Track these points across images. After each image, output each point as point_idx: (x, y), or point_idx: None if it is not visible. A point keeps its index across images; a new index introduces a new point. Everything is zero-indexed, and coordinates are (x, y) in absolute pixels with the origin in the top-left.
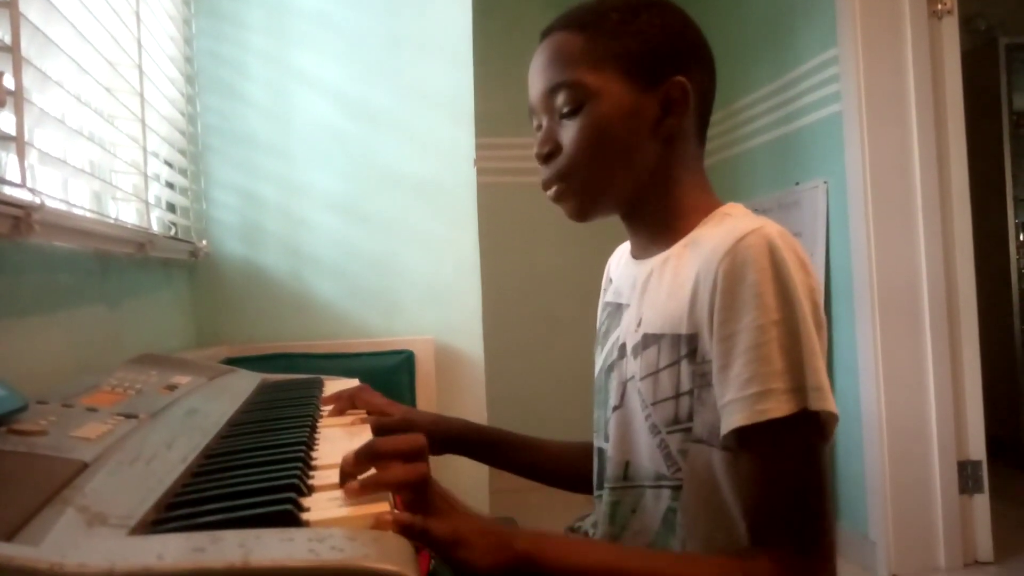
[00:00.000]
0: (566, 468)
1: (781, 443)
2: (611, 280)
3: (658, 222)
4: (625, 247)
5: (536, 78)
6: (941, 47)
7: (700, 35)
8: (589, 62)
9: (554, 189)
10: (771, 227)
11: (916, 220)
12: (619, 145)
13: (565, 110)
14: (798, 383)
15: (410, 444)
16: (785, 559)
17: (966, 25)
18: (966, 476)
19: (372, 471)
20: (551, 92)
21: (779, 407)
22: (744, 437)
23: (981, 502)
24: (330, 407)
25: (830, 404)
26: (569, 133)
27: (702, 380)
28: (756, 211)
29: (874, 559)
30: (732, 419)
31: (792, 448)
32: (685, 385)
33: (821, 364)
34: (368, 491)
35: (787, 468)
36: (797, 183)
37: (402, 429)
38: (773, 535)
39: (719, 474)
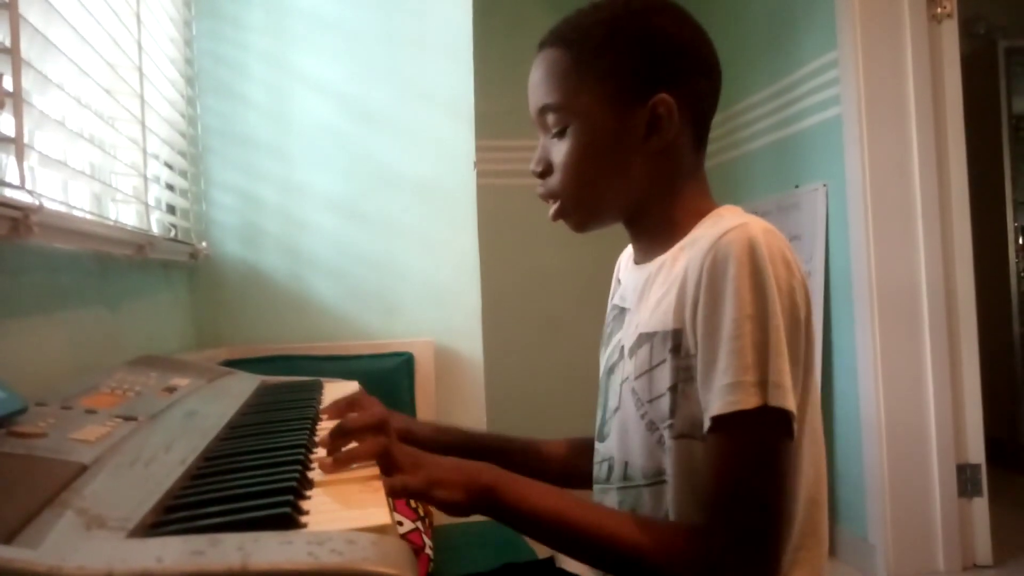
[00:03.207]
0: (567, 467)
1: (746, 435)
2: (619, 282)
3: (657, 229)
4: (631, 248)
5: (530, 95)
6: (941, 51)
7: (696, 37)
8: (573, 83)
9: (552, 208)
10: (756, 224)
11: (915, 223)
12: (605, 165)
13: (554, 130)
14: (764, 377)
15: (372, 419)
16: (719, 542)
17: (966, 29)
18: (965, 479)
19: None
20: (541, 112)
21: (747, 399)
22: (716, 426)
23: (980, 505)
24: (326, 417)
25: (788, 402)
26: (559, 153)
27: (686, 374)
28: (755, 214)
29: (873, 562)
30: (710, 409)
31: (755, 440)
32: (670, 380)
33: (785, 363)
34: (341, 464)
35: (747, 458)
36: (797, 186)
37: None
38: (717, 519)
39: (702, 469)
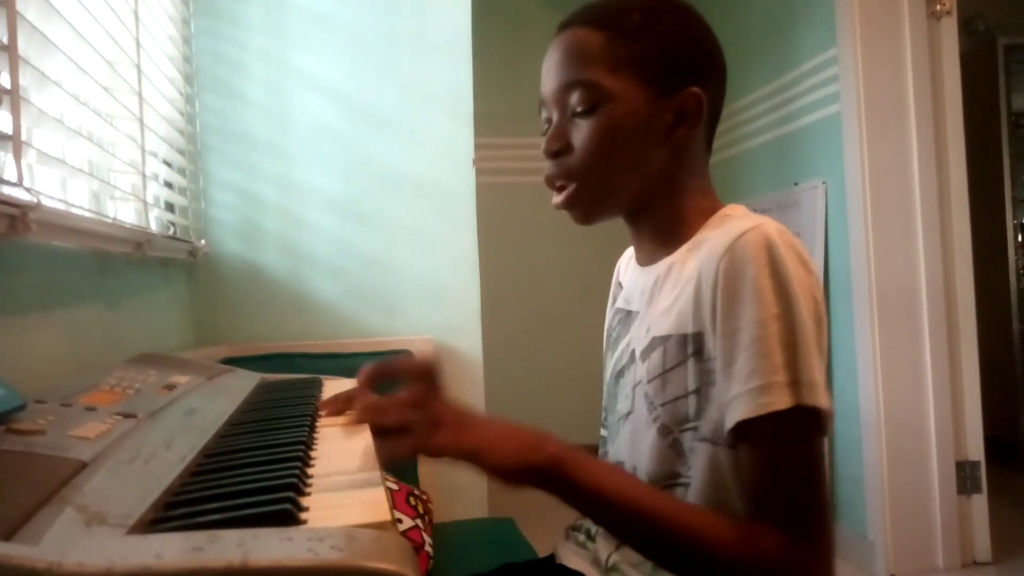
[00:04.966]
0: None
1: (781, 435)
2: (621, 285)
3: (662, 228)
4: (631, 251)
5: (551, 72)
6: (940, 48)
7: (716, 44)
8: (607, 63)
9: (561, 194)
10: (769, 224)
11: (915, 221)
12: (629, 150)
13: (579, 109)
14: (796, 377)
15: (421, 365)
16: (782, 542)
17: (965, 26)
18: (964, 476)
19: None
20: (566, 88)
21: (780, 400)
22: (746, 430)
23: (979, 502)
24: (325, 412)
25: (822, 400)
26: (581, 133)
27: (709, 378)
28: (755, 211)
29: (873, 559)
30: (736, 413)
31: (792, 440)
32: (693, 384)
33: (815, 360)
34: (368, 415)
35: (786, 459)
36: (796, 183)
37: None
38: (771, 522)
39: (727, 473)
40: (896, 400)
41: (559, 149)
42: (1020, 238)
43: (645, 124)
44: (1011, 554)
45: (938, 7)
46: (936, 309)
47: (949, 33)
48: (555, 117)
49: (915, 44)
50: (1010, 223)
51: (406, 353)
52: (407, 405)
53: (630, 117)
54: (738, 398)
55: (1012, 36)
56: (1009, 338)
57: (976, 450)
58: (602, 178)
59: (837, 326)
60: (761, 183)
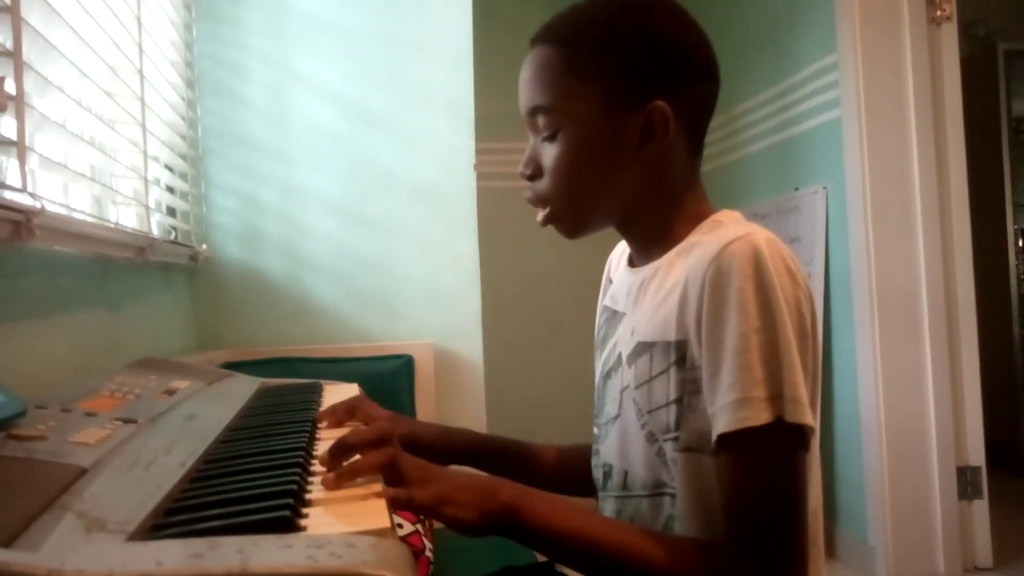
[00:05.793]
0: (571, 473)
1: (759, 450)
2: (611, 281)
3: (652, 234)
4: (625, 246)
5: (520, 94)
6: (940, 53)
7: (696, 39)
8: (566, 85)
9: (540, 213)
10: (759, 234)
11: (915, 225)
12: (597, 172)
13: (544, 134)
14: (776, 392)
15: (376, 433)
16: (748, 560)
17: (965, 31)
18: (965, 482)
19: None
20: (531, 113)
21: (758, 415)
22: (726, 443)
23: (980, 508)
24: (325, 423)
25: (806, 417)
26: (548, 158)
27: (692, 387)
28: (755, 217)
29: (873, 564)
30: (717, 425)
31: (770, 456)
32: (674, 393)
33: (799, 376)
34: (344, 479)
35: (763, 475)
36: (796, 188)
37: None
38: (742, 538)
39: (711, 484)
40: (897, 405)
41: (532, 173)
42: (1020, 243)
43: (610, 144)
44: (1012, 560)
45: (938, 12)
46: (937, 314)
47: (949, 38)
48: (530, 139)
49: (915, 49)
50: (1010, 228)
51: (357, 396)
52: (373, 467)
53: (592, 139)
54: (720, 410)
55: (1012, 41)
56: (1010, 343)
57: (977, 455)
58: (573, 202)
59: (838, 330)
60: (761, 188)
